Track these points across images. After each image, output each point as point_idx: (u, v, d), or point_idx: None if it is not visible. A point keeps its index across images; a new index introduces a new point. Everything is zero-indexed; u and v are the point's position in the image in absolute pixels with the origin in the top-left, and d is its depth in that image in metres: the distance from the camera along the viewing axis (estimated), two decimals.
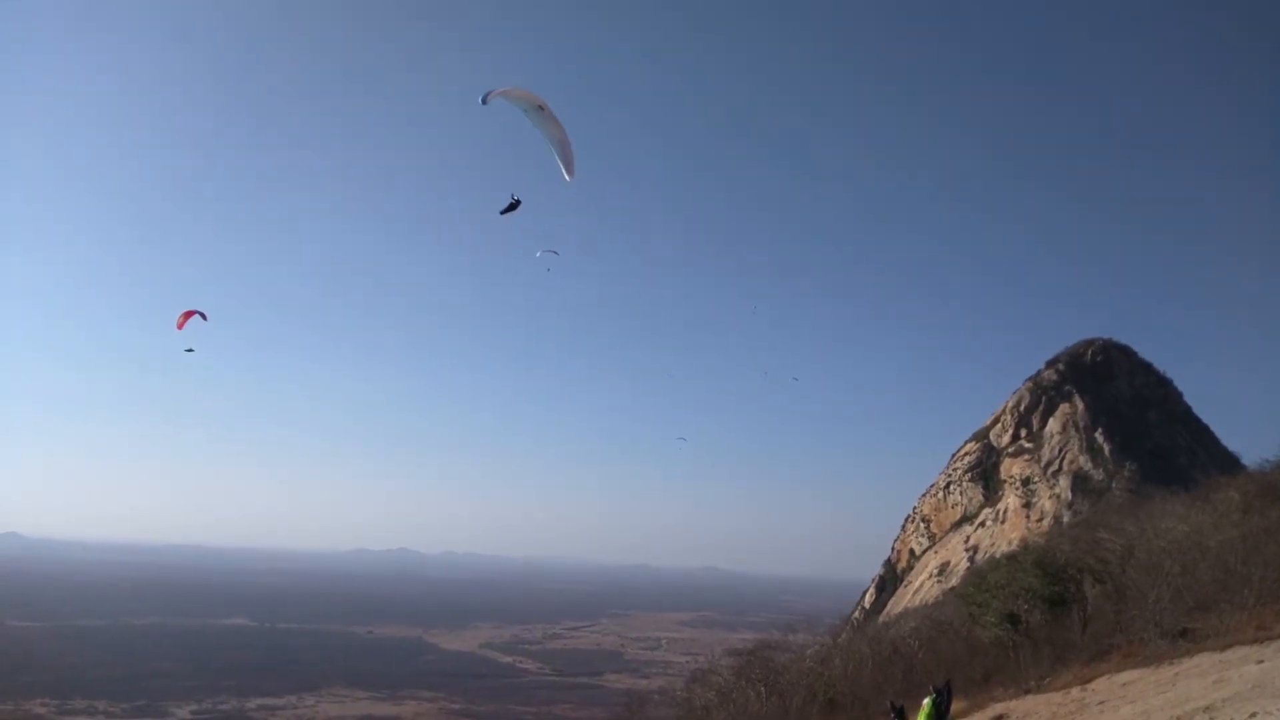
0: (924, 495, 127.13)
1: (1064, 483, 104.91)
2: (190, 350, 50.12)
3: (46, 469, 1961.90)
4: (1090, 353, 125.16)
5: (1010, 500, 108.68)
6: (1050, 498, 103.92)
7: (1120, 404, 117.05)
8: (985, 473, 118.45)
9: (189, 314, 47.48)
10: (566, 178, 33.85)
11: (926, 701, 28.48)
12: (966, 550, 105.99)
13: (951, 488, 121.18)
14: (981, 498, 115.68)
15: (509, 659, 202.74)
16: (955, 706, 30.08)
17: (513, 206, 34.70)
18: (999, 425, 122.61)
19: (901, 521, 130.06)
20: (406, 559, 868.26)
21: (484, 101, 31.25)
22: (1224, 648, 23.32)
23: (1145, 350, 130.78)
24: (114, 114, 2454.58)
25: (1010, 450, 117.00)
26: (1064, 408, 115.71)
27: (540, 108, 32.11)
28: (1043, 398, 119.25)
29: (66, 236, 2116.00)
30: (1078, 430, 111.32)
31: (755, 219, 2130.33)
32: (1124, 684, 24.31)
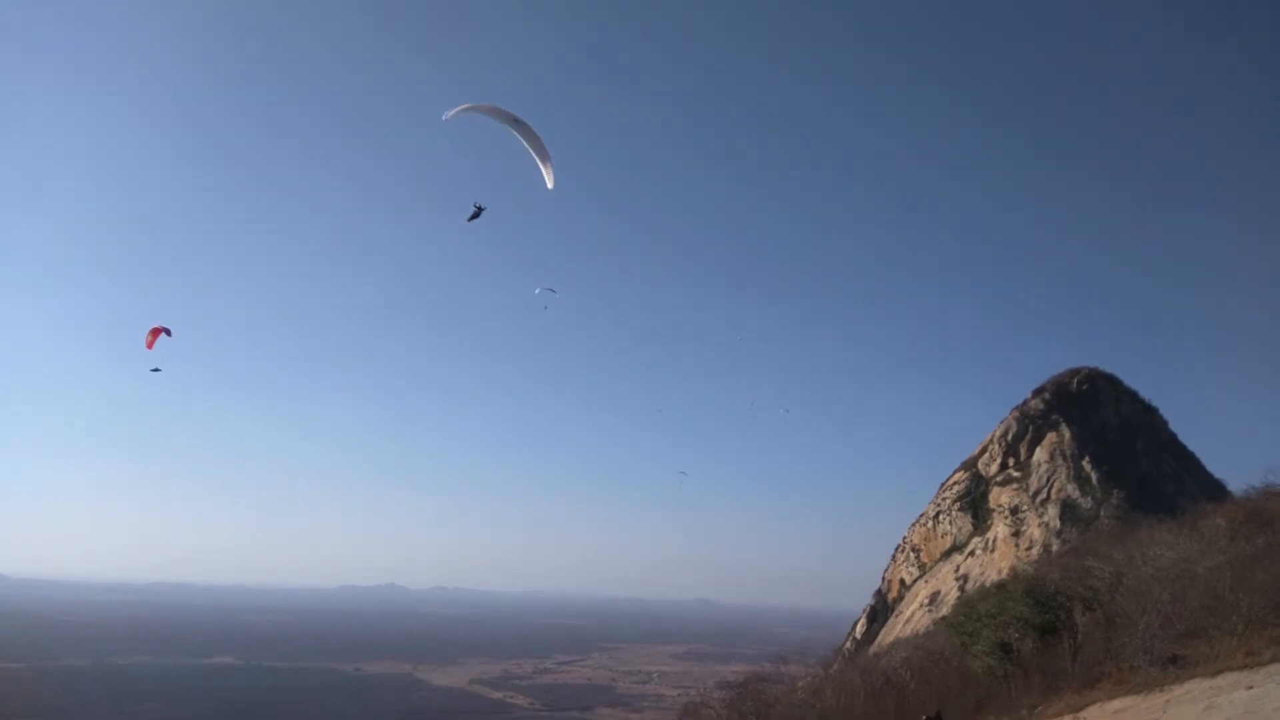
0: (914, 525, 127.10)
1: (1052, 511, 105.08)
2: (157, 370, 48.66)
3: (30, 508, 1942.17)
4: (1076, 381, 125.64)
5: (999, 529, 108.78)
6: (1039, 526, 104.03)
7: (1107, 432, 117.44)
8: (974, 502, 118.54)
9: (156, 331, 46.48)
10: (549, 185, 34.62)
11: None
12: (957, 579, 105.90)
13: (941, 517, 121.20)
14: (971, 527, 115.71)
15: (499, 694, 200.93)
16: None
17: (476, 214, 35.38)
18: (987, 454, 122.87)
19: (892, 552, 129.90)
20: (395, 594, 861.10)
21: (446, 119, 32.14)
22: (1214, 674, 23.42)
23: (1130, 378, 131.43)
24: (82, 138, 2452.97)
25: (998, 479, 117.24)
26: (1051, 436, 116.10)
27: (516, 120, 32.90)
28: (1030, 427, 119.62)
29: (37, 278, 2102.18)
30: (1065, 459, 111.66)
31: (744, 251, 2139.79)
32: (1115, 711, 24.38)
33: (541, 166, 34.15)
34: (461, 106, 32.24)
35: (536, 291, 52.79)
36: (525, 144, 33.56)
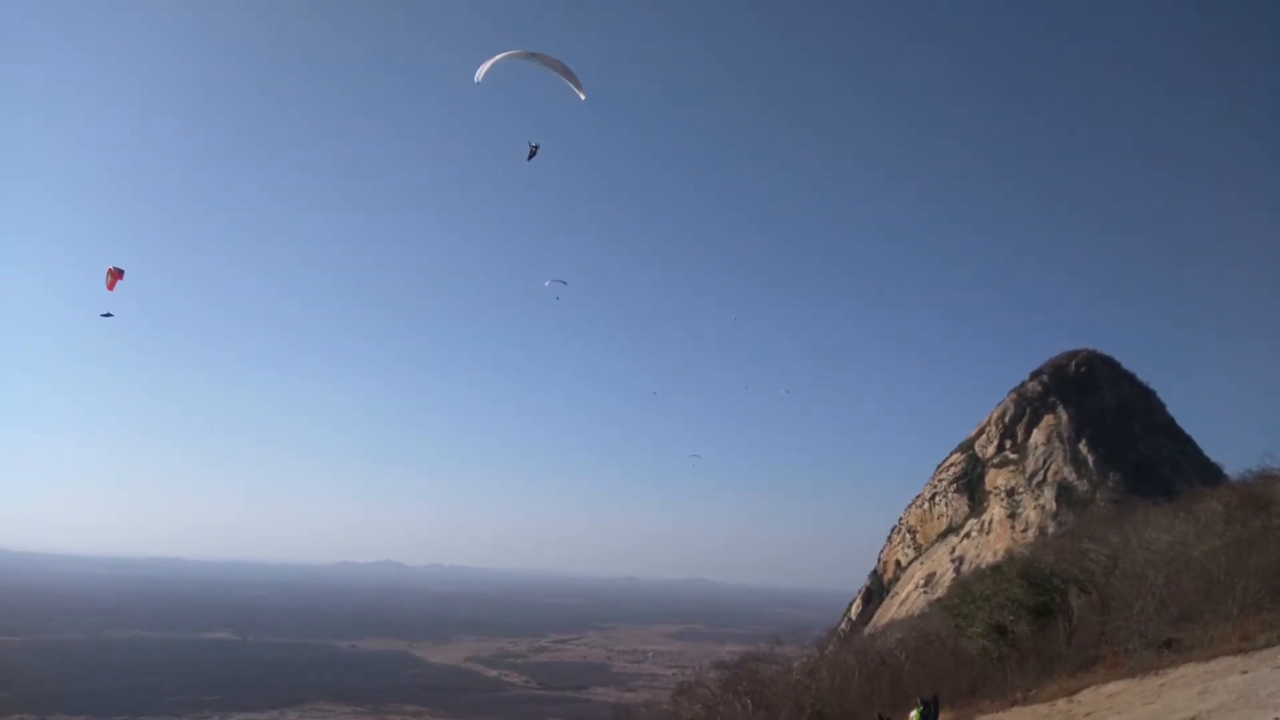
0: (910, 506, 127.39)
1: (1048, 493, 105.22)
2: (108, 315, 46.53)
3: (28, 483, 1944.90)
4: (1074, 364, 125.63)
5: (995, 511, 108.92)
6: (1035, 508, 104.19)
7: (1104, 415, 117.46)
8: (970, 484, 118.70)
9: (114, 274, 43.54)
10: (580, 96, 35.37)
11: (914, 714, 28.44)
12: (952, 561, 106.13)
13: (937, 499, 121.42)
14: (967, 509, 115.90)
15: (494, 672, 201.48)
16: (942, 718, 30.09)
17: (533, 153, 36.41)
18: (984, 436, 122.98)
19: (887, 533, 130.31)
20: (391, 572, 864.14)
21: (478, 79, 32.95)
22: (1209, 658, 23.37)
23: (1128, 361, 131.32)
24: (84, 116, 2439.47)
25: (995, 461, 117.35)
26: (1048, 419, 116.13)
27: (532, 55, 33.59)
28: (1027, 409, 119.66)
29: (40, 247, 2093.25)
30: (1062, 441, 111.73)
31: (739, 231, 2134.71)
32: (1110, 695, 24.34)
33: (570, 84, 34.87)
34: (486, 65, 33.00)
35: (546, 284, 52.89)
36: (550, 69, 34.40)
